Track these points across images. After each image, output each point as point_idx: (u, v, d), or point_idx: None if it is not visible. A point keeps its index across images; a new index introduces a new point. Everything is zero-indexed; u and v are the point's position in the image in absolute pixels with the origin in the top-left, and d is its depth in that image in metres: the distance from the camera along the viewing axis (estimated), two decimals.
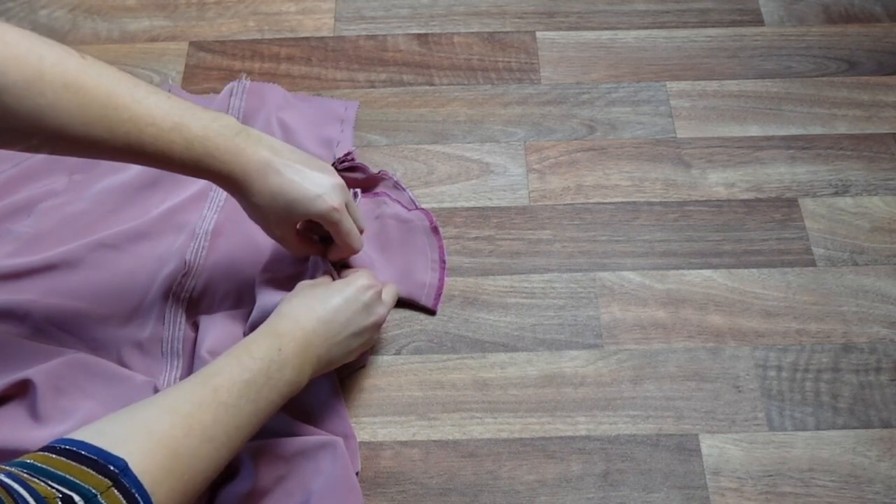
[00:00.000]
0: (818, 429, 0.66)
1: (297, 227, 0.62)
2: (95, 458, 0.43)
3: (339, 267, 0.67)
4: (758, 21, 0.89)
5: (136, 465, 0.43)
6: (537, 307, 0.72)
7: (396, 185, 0.76)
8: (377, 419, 0.67)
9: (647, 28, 0.88)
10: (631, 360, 0.69)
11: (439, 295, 0.72)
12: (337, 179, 0.60)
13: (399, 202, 0.75)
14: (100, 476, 0.42)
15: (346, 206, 0.61)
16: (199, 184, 0.76)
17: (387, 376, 0.69)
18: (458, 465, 0.65)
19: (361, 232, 0.64)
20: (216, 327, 0.66)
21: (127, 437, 0.45)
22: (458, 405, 0.67)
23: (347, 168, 0.75)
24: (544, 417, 0.67)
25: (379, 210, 0.75)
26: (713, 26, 0.88)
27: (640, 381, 0.68)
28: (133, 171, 0.77)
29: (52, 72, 0.50)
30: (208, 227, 0.73)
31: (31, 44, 0.50)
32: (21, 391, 0.63)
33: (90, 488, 0.41)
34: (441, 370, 0.69)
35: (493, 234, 0.76)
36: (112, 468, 0.42)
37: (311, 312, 0.57)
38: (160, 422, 0.47)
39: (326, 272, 0.64)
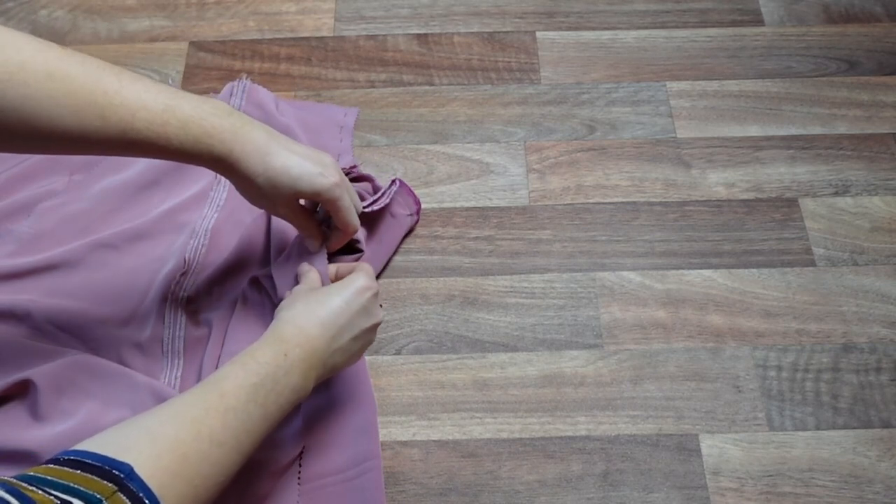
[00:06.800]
0: (818, 429, 0.66)
1: (301, 202, 0.62)
2: (100, 464, 0.42)
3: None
4: (758, 21, 0.89)
5: (142, 470, 0.43)
6: (537, 307, 0.72)
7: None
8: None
9: (647, 28, 0.88)
10: (631, 360, 0.69)
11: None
12: (332, 159, 0.61)
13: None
14: (104, 482, 0.41)
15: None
16: (200, 183, 0.76)
17: (387, 376, 0.69)
18: (458, 465, 0.65)
19: (358, 213, 0.64)
20: (238, 331, 0.67)
21: (132, 444, 0.45)
22: (458, 405, 0.67)
23: (352, 179, 0.74)
24: (544, 417, 0.67)
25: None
26: (713, 26, 0.88)
27: (640, 381, 0.68)
28: (133, 171, 0.77)
29: (34, 62, 0.49)
30: (208, 225, 0.73)
31: (6, 37, 0.49)
32: (21, 391, 0.63)
33: (94, 493, 0.40)
34: (441, 370, 0.69)
35: (493, 234, 0.75)
36: (117, 473, 0.42)
37: (312, 317, 0.57)
38: (166, 427, 0.47)
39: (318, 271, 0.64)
